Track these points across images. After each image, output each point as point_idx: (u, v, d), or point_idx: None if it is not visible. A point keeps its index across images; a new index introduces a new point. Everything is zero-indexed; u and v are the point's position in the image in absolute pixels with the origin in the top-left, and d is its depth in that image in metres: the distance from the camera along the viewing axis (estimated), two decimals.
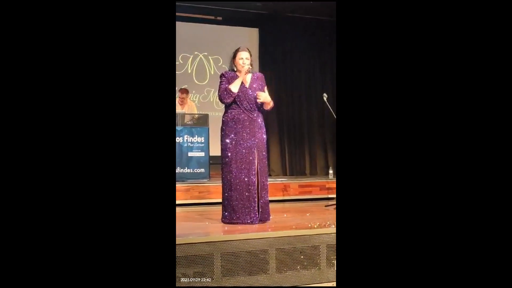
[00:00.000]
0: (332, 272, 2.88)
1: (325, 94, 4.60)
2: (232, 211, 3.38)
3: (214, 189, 4.97)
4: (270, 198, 3.61)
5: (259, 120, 3.50)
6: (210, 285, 2.65)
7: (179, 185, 4.99)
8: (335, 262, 2.82)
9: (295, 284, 2.83)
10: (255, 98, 3.46)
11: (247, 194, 3.37)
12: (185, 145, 5.55)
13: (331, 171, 6.65)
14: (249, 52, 3.52)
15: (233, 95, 3.42)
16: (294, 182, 5.67)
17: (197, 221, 3.78)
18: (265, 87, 3.57)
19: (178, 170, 5.39)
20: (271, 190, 4.20)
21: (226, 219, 3.41)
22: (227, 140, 3.42)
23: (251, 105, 3.45)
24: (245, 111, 3.44)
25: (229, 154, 3.40)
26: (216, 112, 7.13)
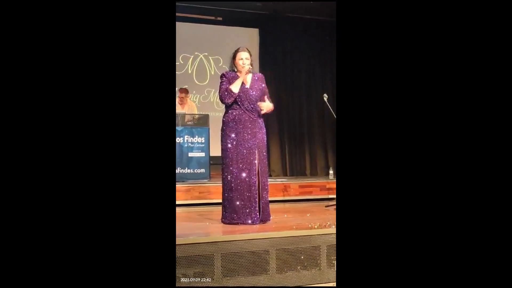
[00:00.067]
0: (332, 273, 2.88)
1: (325, 95, 4.60)
2: (232, 212, 3.38)
3: (214, 190, 4.97)
4: (270, 199, 3.61)
5: (260, 121, 3.50)
6: (210, 285, 2.65)
7: (179, 186, 4.99)
8: (336, 263, 2.82)
9: (295, 285, 2.83)
10: (256, 98, 3.46)
11: (248, 195, 3.37)
12: (186, 145, 5.55)
13: (331, 172, 6.65)
14: (249, 52, 3.51)
15: (234, 96, 3.41)
16: (294, 183, 5.67)
17: (197, 221, 3.78)
18: (266, 88, 3.57)
19: (178, 170, 5.40)
20: (272, 190, 4.20)
21: (226, 220, 3.41)
22: (228, 141, 3.42)
23: (252, 106, 3.45)
24: (246, 111, 3.43)
25: (230, 155, 3.40)
26: (217, 113, 7.13)
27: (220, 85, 3.49)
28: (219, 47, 7.40)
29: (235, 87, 3.42)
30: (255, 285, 2.74)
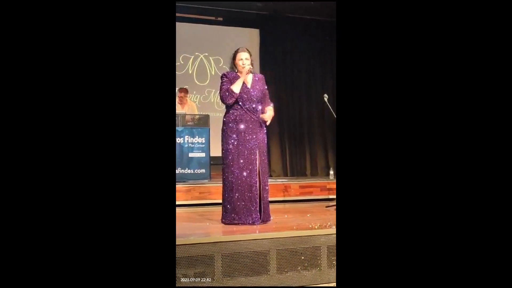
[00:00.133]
0: (332, 273, 2.87)
1: (325, 95, 4.59)
2: (233, 212, 3.37)
3: (214, 190, 4.97)
4: (270, 199, 3.61)
5: (260, 121, 3.50)
6: (210, 285, 2.65)
7: (179, 186, 4.99)
8: (336, 263, 2.82)
9: (296, 285, 2.83)
10: (257, 98, 3.46)
11: (249, 195, 3.36)
12: (186, 145, 5.55)
13: (331, 172, 6.64)
14: (249, 52, 3.51)
15: (235, 96, 3.41)
16: (294, 183, 5.67)
17: (197, 221, 3.78)
18: (266, 89, 3.57)
19: (178, 170, 5.39)
20: (272, 190, 4.20)
21: (226, 220, 3.40)
22: (229, 141, 3.42)
23: (253, 106, 3.44)
24: (247, 112, 3.43)
25: (231, 155, 3.40)
26: (217, 113, 7.13)
27: (220, 85, 3.49)
28: (220, 47, 7.40)
29: (236, 87, 3.41)
30: (256, 285, 2.74)
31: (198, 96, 7.51)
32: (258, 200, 3.39)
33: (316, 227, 3.06)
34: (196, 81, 7.55)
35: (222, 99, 3.47)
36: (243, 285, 2.71)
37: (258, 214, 3.38)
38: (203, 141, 5.62)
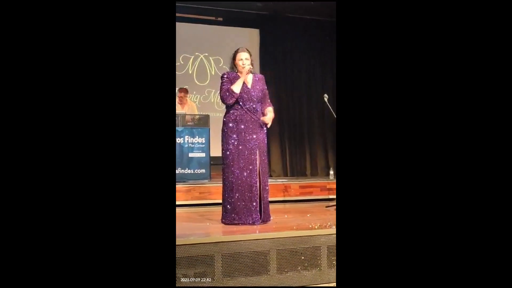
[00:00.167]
0: (332, 273, 2.87)
1: (325, 95, 4.59)
2: (233, 212, 3.37)
3: (214, 190, 4.97)
4: (270, 199, 3.61)
5: (260, 121, 3.50)
6: (210, 285, 2.65)
7: (179, 186, 4.99)
8: (336, 263, 2.82)
9: (296, 285, 2.83)
10: (258, 98, 3.46)
11: (249, 195, 3.36)
12: (186, 145, 5.55)
13: (331, 172, 6.64)
14: (249, 52, 3.51)
15: (236, 96, 3.41)
16: (294, 183, 5.67)
17: (198, 221, 3.78)
18: (266, 90, 3.57)
19: (178, 170, 5.39)
20: (272, 190, 4.19)
21: (227, 220, 3.40)
22: (230, 141, 3.41)
23: (254, 106, 3.44)
24: (248, 112, 3.43)
25: (231, 155, 3.39)
26: (217, 113, 7.13)
27: (221, 85, 3.48)
28: (220, 47, 7.40)
29: (236, 87, 3.41)
30: (256, 286, 2.74)
31: (198, 96, 7.50)
32: (258, 200, 3.39)
33: (316, 227, 3.06)
34: (196, 81, 7.55)
35: (223, 99, 3.47)
36: (243, 285, 2.71)
37: (259, 214, 3.38)
38: (203, 141, 5.62)
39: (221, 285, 2.67)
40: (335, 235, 2.81)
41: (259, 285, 2.75)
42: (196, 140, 5.61)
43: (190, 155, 5.56)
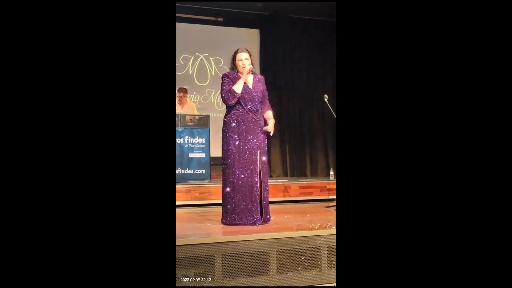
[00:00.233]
0: (333, 274, 2.87)
1: (326, 95, 4.59)
2: (233, 212, 3.37)
3: (215, 190, 4.97)
4: (270, 199, 3.60)
5: (261, 121, 3.49)
6: (210, 285, 2.64)
7: (180, 186, 4.99)
8: (336, 264, 2.82)
9: (296, 285, 2.83)
10: (259, 99, 3.46)
11: (250, 195, 3.36)
12: (186, 146, 5.55)
13: (332, 172, 6.64)
14: (249, 52, 3.50)
15: (237, 96, 3.40)
16: (294, 183, 5.67)
17: (198, 222, 3.78)
18: (266, 91, 3.57)
19: (179, 171, 5.39)
20: (272, 191, 4.20)
21: (227, 220, 3.40)
22: (230, 141, 3.41)
23: (255, 106, 3.44)
24: (249, 112, 3.42)
25: (232, 155, 3.39)
26: (217, 113, 7.13)
27: (222, 86, 3.47)
28: (220, 47, 7.39)
29: (238, 88, 3.40)
30: (256, 286, 2.74)
31: (198, 97, 7.51)
32: (259, 200, 3.39)
33: (316, 227, 3.05)
34: (196, 81, 7.55)
35: (224, 100, 3.45)
36: (243, 285, 2.71)
37: (259, 214, 3.38)
38: (203, 142, 5.62)
39: (221, 285, 2.67)
40: (335, 235, 2.81)
41: (259, 285, 2.75)
42: (196, 140, 5.61)
43: (190, 155, 5.56)
